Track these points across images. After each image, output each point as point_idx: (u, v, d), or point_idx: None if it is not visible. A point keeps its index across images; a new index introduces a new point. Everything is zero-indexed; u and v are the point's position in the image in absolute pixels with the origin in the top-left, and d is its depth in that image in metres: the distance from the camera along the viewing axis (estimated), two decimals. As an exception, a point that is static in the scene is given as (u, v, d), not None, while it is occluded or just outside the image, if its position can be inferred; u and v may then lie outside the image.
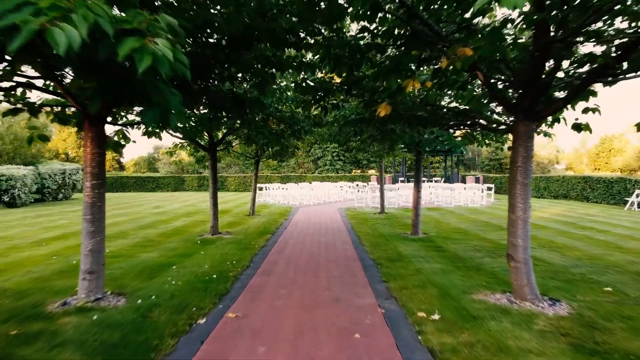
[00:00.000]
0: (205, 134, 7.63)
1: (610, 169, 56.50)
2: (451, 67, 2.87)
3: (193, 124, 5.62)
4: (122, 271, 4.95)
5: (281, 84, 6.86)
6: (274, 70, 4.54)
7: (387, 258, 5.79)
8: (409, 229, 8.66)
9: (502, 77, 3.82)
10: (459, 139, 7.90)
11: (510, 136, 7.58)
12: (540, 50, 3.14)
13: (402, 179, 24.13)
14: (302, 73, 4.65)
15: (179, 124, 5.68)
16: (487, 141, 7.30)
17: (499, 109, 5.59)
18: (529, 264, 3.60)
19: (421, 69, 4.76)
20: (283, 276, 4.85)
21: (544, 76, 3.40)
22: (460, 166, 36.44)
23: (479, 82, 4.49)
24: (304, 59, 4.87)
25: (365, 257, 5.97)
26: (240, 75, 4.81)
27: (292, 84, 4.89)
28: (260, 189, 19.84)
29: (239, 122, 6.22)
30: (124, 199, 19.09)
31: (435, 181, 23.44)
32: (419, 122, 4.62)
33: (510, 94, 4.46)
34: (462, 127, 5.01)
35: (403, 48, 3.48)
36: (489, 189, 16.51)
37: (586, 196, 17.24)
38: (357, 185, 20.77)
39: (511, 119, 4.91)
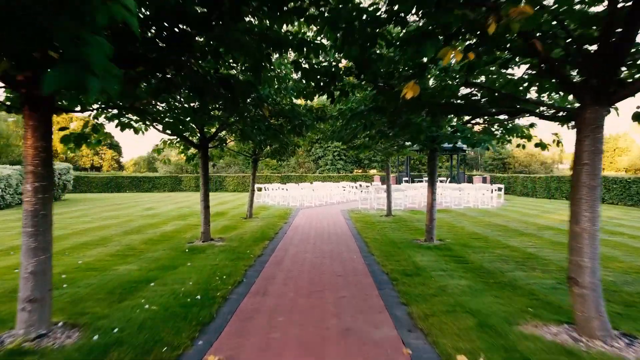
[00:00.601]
0: (196, 129, 6.83)
1: (615, 168, 55.73)
2: (499, 34, 2.09)
3: (176, 116, 4.78)
4: (89, 290, 4.14)
5: (280, 72, 6.06)
6: (270, 50, 3.75)
7: (402, 271, 4.98)
8: (421, 234, 7.84)
9: (562, 51, 2.99)
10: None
11: (532, 132, 6.83)
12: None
13: (406, 178, 23.31)
14: (304, 56, 3.85)
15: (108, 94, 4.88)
16: (508, 137, 6.50)
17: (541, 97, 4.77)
18: (599, 290, 2.79)
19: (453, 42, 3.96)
20: (281, 297, 4.04)
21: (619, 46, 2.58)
22: (462, 166, 35.49)
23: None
24: (306, 37, 4.08)
25: (377, 270, 5.16)
26: (230, 61, 4.05)
27: (292, 66, 4.06)
28: (260, 189, 19.05)
29: (232, 115, 5.39)
30: (117, 200, 18.30)
31: (440, 181, 22.62)
32: (447, 111, 3.80)
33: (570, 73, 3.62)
34: (500, 116, 4.20)
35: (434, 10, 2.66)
36: (499, 189, 15.68)
37: (601, 197, 16.39)
38: (360, 185, 19.95)
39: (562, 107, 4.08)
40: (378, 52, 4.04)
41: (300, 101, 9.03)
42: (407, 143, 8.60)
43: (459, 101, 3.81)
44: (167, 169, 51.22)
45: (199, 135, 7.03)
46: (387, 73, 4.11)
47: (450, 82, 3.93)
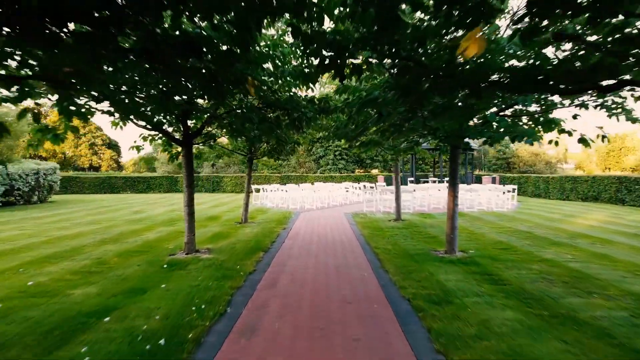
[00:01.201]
0: (174, 119, 5.83)
1: (621, 168, 54.71)
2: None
3: (129, 96, 3.71)
4: (22, 328, 3.15)
5: (276, 50, 5.07)
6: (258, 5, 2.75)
7: (427, 297, 3.97)
8: (438, 243, 6.84)
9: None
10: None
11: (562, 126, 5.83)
12: None
13: (412, 179, 22.30)
14: (305, 21, 2.86)
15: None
16: (540, 129, 5.50)
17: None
18: None
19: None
20: (274, 338, 3.04)
21: None
22: (466, 165, 33.91)
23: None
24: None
25: (395, 295, 4.15)
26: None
27: (288, 29, 3.06)
28: (257, 190, 18.08)
29: (214, 99, 4.37)
30: (107, 202, 17.31)
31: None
32: (501, 87, 2.79)
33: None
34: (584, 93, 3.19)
35: None
36: (512, 190, 14.65)
37: (621, 199, 15.37)
38: (364, 186, 18.94)
39: None
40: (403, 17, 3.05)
41: (300, 91, 8.04)
42: (421, 139, 7.59)
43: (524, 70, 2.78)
44: (165, 169, 50.30)
45: (182, 130, 6.03)
46: (413, 43, 3.12)
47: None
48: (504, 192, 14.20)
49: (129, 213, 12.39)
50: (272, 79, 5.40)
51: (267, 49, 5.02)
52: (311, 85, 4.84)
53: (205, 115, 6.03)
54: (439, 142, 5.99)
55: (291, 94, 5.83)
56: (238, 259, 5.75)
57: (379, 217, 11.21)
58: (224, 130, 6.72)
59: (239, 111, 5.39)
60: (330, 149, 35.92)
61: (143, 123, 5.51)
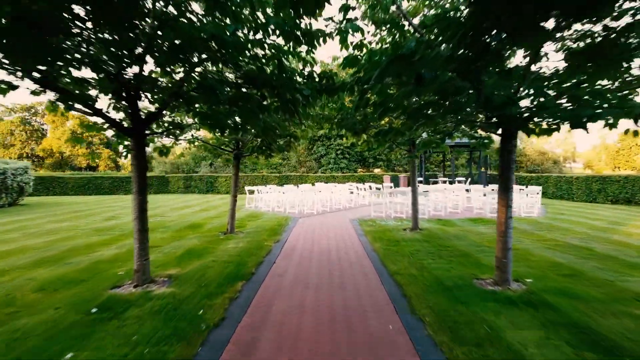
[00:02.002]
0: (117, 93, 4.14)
1: (631, 167, 52.96)
2: None
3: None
4: None
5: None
6: None
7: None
8: (477, 266, 5.17)
9: None
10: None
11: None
12: None
13: (421, 179, 20.58)
14: None
15: None
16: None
17: None
18: None
19: None
20: None
21: None
22: (471, 164, 31.48)
23: None
24: None
25: (450, 381, 2.47)
26: None
27: None
28: (251, 192, 16.44)
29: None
30: (85, 205, 15.63)
31: (458, 182, 19.90)
32: None
33: None
34: None
35: None
36: (537, 192, 12.92)
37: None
38: (370, 187, 17.24)
39: None
40: None
41: (294, 62, 6.36)
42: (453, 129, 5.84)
43: None
44: (163, 168, 48.63)
45: (131, 115, 4.33)
46: None
47: None
48: (527, 195, 12.52)
49: (100, 220, 10.70)
50: (251, 34, 3.72)
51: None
52: (307, 18, 3.16)
53: (161, 96, 4.33)
54: (490, 126, 4.23)
55: (280, 60, 4.12)
56: (205, 295, 4.06)
57: (390, 224, 9.51)
58: (194, 116, 5.00)
59: (198, 84, 3.72)
60: (332, 147, 34.25)
61: (84, 108, 3.83)
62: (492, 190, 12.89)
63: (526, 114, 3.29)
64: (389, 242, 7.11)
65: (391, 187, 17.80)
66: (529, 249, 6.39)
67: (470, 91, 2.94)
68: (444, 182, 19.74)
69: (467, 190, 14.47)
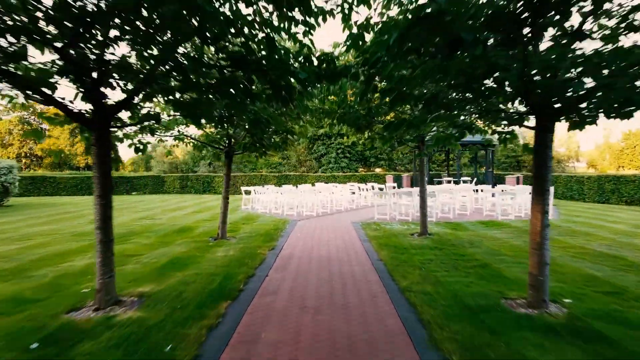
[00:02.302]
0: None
1: (635, 166, 52.28)
2: None
3: None
4: None
5: None
6: None
7: None
8: (500, 279, 4.45)
9: None
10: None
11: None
12: None
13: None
14: None
15: None
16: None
17: None
18: None
19: None
20: None
21: None
22: (475, 163, 30.30)
23: None
24: None
25: None
26: None
27: None
28: (248, 192, 15.73)
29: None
30: (72, 207, 14.91)
31: (463, 182, 19.16)
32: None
33: None
34: None
35: None
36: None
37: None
38: (373, 187, 16.51)
39: None
40: None
41: (290, 44, 5.64)
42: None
43: None
44: (162, 167, 47.92)
45: (92, 103, 3.61)
46: None
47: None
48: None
49: (83, 223, 9.99)
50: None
51: None
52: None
53: (131, 82, 3.61)
54: (520, 118, 3.48)
55: (276, 44, 3.38)
56: (179, 321, 3.35)
57: (396, 228, 8.79)
58: (167, 103, 4.27)
59: (170, 65, 3.01)
60: (332, 146, 33.55)
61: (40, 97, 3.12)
62: (502, 191, 12.18)
63: (580, 99, 2.56)
64: (396, 249, 6.39)
65: (394, 187, 17.07)
66: (555, 259, 5.66)
67: (514, 64, 2.22)
68: (449, 182, 19.02)
69: (475, 191, 13.73)
